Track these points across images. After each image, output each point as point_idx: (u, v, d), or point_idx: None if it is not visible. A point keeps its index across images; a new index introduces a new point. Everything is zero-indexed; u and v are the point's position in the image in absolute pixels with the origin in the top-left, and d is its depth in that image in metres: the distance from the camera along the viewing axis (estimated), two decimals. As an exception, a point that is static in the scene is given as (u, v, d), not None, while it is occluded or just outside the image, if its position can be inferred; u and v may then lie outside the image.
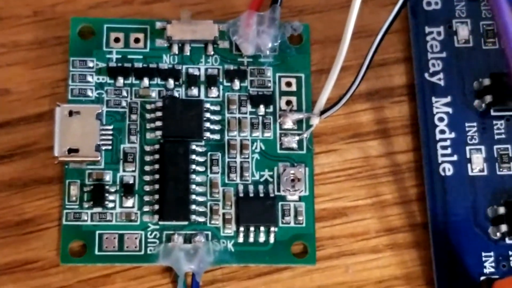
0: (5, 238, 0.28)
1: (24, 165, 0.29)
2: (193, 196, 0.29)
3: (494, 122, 0.30)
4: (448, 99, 0.30)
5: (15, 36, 0.30)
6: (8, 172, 0.29)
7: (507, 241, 0.29)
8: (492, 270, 0.28)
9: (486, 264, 0.28)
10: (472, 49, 0.30)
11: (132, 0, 0.31)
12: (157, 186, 0.28)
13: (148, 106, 0.29)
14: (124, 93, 0.29)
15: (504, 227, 0.28)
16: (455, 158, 0.29)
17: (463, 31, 0.31)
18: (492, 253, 0.28)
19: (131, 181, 0.29)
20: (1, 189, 0.29)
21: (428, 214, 0.29)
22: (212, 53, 0.30)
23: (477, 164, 0.29)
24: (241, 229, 0.28)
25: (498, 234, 0.28)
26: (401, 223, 0.29)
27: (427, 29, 0.31)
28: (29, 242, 0.28)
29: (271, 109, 0.30)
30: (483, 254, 0.28)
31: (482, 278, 0.28)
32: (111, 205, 0.28)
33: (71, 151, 0.28)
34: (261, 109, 0.30)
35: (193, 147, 0.29)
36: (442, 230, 0.29)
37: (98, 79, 0.29)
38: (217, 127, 0.30)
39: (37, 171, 0.29)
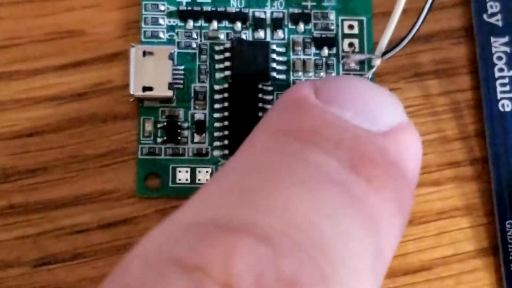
0: (84, 171, 0.30)
1: (101, 101, 0.30)
2: (261, 133, 0.30)
3: (551, 60, 0.31)
4: (506, 39, 0.31)
5: (89, -20, 0.32)
6: (86, 108, 0.30)
7: None
8: (551, 200, 0.29)
9: (545, 195, 0.29)
10: (529, -9, 0.32)
11: None
12: (226, 123, 0.30)
13: (217, 48, 0.31)
14: (194, 35, 0.31)
15: (562, 160, 0.29)
16: (513, 95, 0.31)
17: (520, -26, 0.32)
18: (551, 184, 0.30)
19: (202, 118, 0.30)
20: (79, 124, 0.30)
21: (487, 148, 0.30)
22: (277, -3, 0.32)
23: (535, 100, 0.30)
24: (307, 163, 0.30)
25: (556, 166, 0.30)
26: (462, 157, 0.30)
27: (485, -27, 0.32)
28: (106, 174, 0.30)
29: (334, 51, 0.31)
30: (542, 185, 0.30)
31: (541, 207, 0.29)
32: (183, 140, 0.30)
33: (146, 89, 0.30)
34: (325, 51, 0.31)
35: (260, 86, 0.30)
36: (502, 163, 0.30)
37: (169, 22, 0.31)
38: (283, 68, 0.31)
39: (113, 107, 0.30)
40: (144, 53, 0.30)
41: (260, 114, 0.30)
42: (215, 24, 0.31)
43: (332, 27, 0.31)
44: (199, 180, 0.30)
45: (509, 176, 0.29)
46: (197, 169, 0.30)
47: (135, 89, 0.30)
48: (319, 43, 0.31)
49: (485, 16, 0.31)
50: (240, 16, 0.31)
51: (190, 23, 0.31)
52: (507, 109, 0.30)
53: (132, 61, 0.30)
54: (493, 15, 0.31)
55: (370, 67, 0.31)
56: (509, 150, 0.30)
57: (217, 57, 0.31)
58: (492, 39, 0.31)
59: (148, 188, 0.29)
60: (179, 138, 0.30)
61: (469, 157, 0.30)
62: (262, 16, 0.31)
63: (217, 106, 0.30)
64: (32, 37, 0.31)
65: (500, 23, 0.31)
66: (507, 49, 0.31)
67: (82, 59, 0.31)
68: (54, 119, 0.30)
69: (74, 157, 0.30)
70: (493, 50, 0.31)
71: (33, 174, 0.29)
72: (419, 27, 0.30)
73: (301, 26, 0.31)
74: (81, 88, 0.30)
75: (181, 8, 0.31)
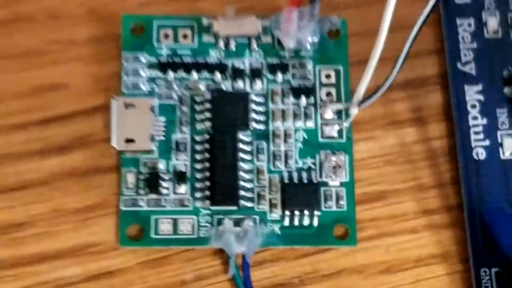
0: (69, 224, 0.30)
1: (83, 155, 0.31)
2: (241, 183, 0.30)
3: (524, 108, 0.32)
4: (480, 87, 0.32)
5: (71, 34, 0.32)
6: (68, 162, 0.31)
7: (538, 220, 0.31)
8: (525, 247, 0.30)
9: (519, 242, 0.30)
10: (501, 40, 0.32)
11: (179, -3, 0.33)
12: (207, 174, 0.30)
13: (197, 99, 0.31)
14: (175, 86, 0.31)
15: (535, 208, 0.30)
16: (487, 143, 0.31)
17: (492, 23, 0.32)
18: (524, 232, 0.30)
19: (183, 169, 0.31)
20: (62, 178, 0.30)
21: (463, 196, 0.31)
22: (256, 47, 0.32)
23: (509, 148, 0.31)
24: (287, 213, 0.30)
25: (529, 214, 0.30)
26: (437, 205, 0.31)
27: (458, 21, 0.32)
28: (90, 227, 0.30)
29: (312, 100, 0.32)
30: (516, 232, 0.30)
31: (515, 255, 0.30)
32: (165, 191, 0.30)
33: (128, 141, 0.30)
34: (303, 100, 0.32)
35: (240, 136, 0.31)
36: (477, 211, 0.30)
37: (150, 73, 0.31)
38: (262, 118, 0.31)
39: (96, 161, 0.31)
40: (126, 105, 0.30)
41: (241, 164, 0.31)
42: (195, 75, 0.31)
43: (310, 77, 0.32)
44: (181, 230, 0.30)
45: (484, 223, 0.30)
46: (179, 220, 0.30)
47: (117, 142, 0.30)
48: (297, 92, 0.32)
49: (459, 65, 0.32)
50: (219, 67, 0.31)
51: (171, 74, 0.31)
52: (481, 157, 0.31)
53: (114, 113, 0.30)
54: (467, 63, 0.32)
55: (347, 116, 0.32)
56: (484, 198, 0.30)
57: (197, 108, 0.31)
58: (466, 87, 0.32)
59: (131, 239, 0.30)
60: (160, 189, 0.30)
61: (445, 205, 0.31)
62: (241, 66, 0.32)
63: (198, 157, 0.31)
64: (16, 92, 0.31)
65: (473, 72, 0.32)
66: (481, 97, 0.32)
67: (65, 112, 0.31)
68: (38, 173, 0.30)
69: (58, 211, 0.30)
70: (467, 98, 0.32)
71: (19, 228, 0.30)
72: (395, 76, 0.30)
73: (279, 76, 0.32)
74: (64, 141, 0.31)
75: (161, 59, 0.31)
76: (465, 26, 0.32)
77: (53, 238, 0.30)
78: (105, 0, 0.32)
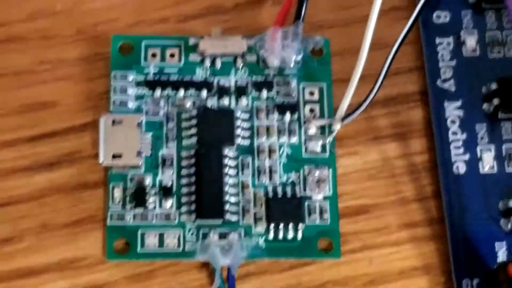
0: (56, 238, 0.31)
1: (72, 171, 0.31)
2: (227, 197, 0.31)
3: (502, 123, 0.32)
4: (459, 103, 0.33)
5: (61, 54, 0.33)
6: (57, 177, 0.31)
7: (518, 231, 0.31)
8: (505, 258, 0.30)
9: (499, 253, 0.31)
10: (479, 58, 0.33)
11: (167, 19, 0.33)
12: (193, 188, 0.31)
13: (183, 115, 0.32)
14: (162, 104, 0.32)
15: (514, 219, 0.31)
16: (467, 157, 0.32)
17: (470, 42, 0.33)
18: (504, 243, 0.31)
19: (170, 184, 0.31)
20: (51, 193, 0.31)
21: (444, 209, 0.31)
22: (241, 66, 0.33)
23: (488, 162, 0.32)
24: (271, 226, 0.31)
25: (509, 225, 0.31)
26: (419, 218, 0.32)
27: (438, 40, 0.33)
28: (77, 241, 0.31)
29: (296, 116, 0.32)
30: (496, 244, 0.31)
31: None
32: (151, 206, 0.31)
33: (115, 156, 0.31)
34: (287, 116, 0.32)
35: (226, 152, 0.31)
36: (457, 224, 0.31)
37: (137, 91, 0.32)
38: (247, 134, 0.32)
39: (83, 176, 0.31)
40: (113, 122, 0.31)
41: (226, 179, 0.31)
42: (181, 92, 0.32)
43: (294, 94, 0.33)
44: (167, 244, 0.31)
45: (465, 236, 0.31)
46: (165, 234, 0.31)
47: (104, 157, 0.31)
48: (281, 109, 0.32)
49: (438, 82, 0.33)
50: (205, 85, 0.32)
51: (158, 92, 0.32)
52: (461, 171, 0.32)
53: (102, 130, 0.31)
54: (446, 80, 0.33)
55: (331, 131, 0.32)
56: (464, 210, 0.31)
57: (183, 124, 0.32)
58: (446, 103, 0.33)
59: (118, 253, 0.30)
60: (147, 203, 0.31)
61: (427, 218, 0.32)
62: (227, 84, 0.32)
63: (184, 172, 0.31)
64: (6, 110, 0.32)
65: (453, 88, 0.33)
66: (460, 113, 0.32)
67: (54, 129, 0.32)
68: (27, 189, 0.31)
69: (46, 226, 0.31)
70: (447, 114, 0.32)
71: (8, 243, 0.30)
72: (376, 92, 0.31)
73: (264, 93, 0.32)
74: (53, 157, 0.31)
75: (148, 78, 0.32)
76: (444, 45, 0.33)
77: (41, 252, 0.30)
78: (94, 20, 0.33)
